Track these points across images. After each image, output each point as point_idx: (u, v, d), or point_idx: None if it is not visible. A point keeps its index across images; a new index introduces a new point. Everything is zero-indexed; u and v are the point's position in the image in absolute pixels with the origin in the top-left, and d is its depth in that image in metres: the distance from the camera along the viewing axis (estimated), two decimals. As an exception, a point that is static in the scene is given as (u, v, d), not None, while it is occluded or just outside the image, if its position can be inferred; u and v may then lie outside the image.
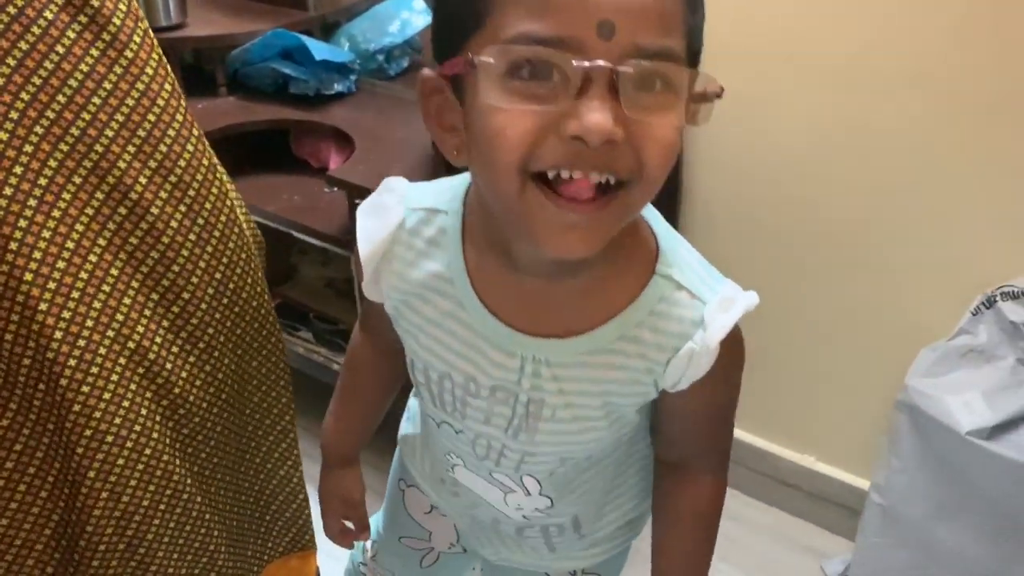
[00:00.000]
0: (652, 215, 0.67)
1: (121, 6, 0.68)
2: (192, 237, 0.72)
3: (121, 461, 0.73)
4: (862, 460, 1.49)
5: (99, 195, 0.68)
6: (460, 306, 0.66)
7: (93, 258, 0.69)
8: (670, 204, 1.47)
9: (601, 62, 0.51)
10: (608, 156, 0.53)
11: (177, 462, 0.78)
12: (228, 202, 0.75)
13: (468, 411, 0.69)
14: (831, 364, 1.50)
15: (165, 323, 0.72)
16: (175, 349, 0.74)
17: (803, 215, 1.44)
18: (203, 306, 0.74)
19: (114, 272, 0.70)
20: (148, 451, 0.75)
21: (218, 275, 0.74)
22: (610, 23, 0.50)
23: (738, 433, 1.64)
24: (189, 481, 0.79)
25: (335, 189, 1.48)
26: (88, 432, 0.71)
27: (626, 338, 0.64)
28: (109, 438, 0.72)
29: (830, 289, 1.46)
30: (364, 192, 1.40)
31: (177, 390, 0.75)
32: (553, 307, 0.64)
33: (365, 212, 0.70)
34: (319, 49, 1.63)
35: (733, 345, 0.66)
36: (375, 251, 0.68)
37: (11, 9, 0.63)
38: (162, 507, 0.77)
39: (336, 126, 1.62)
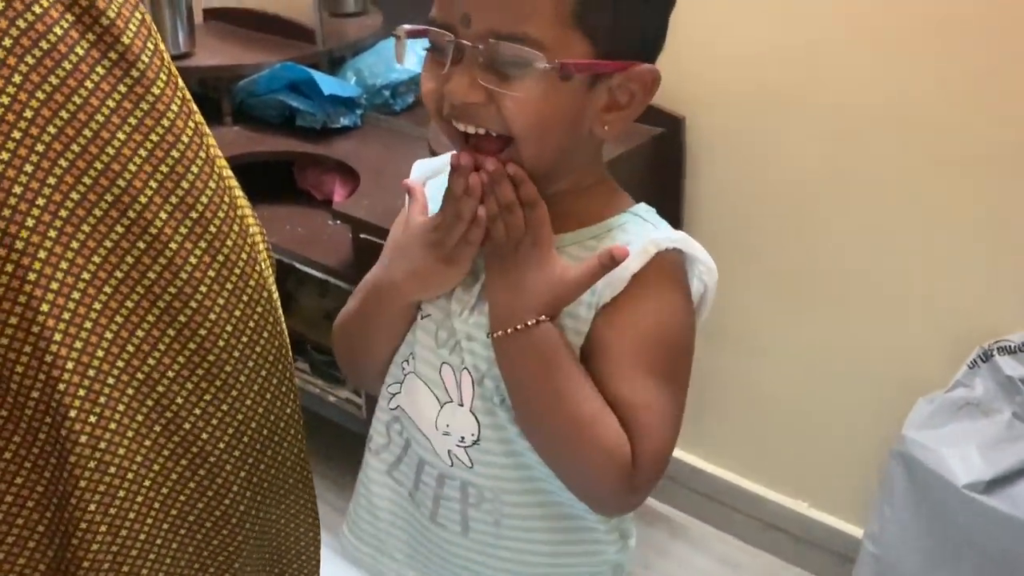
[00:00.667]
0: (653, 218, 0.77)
1: (149, 46, 0.69)
2: (211, 274, 0.72)
3: (122, 493, 0.73)
4: (855, 507, 1.49)
5: (119, 228, 0.69)
6: None
7: (108, 290, 0.69)
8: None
9: (465, 42, 0.67)
10: (476, 114, 0.69)
11: (182, 498, 0.77)
12: (249, 240, 0.75)
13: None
14: (826, 410, 1.51)
15: (181, 359, 0.72)
16: (189, 386, 0.73)
17: (801, 262, 1.46)
18: (220, 343, 0.73)
19: (129, 305, 0.70)
20: (148, 483, 0.74)
21: (237, 312, 0.74)
22: (467, 14, 0.67)
23: (731, 477, 1.64)
24: (191, 518, 0.78)
25: (338, 222, 1.49)
26: (92, 464, 0.71)
27: (581, 245, 0.74)
28: (112, 469, 0.72)
29: (827, 335, 1.47)
30: (368, 227, 1.40)
31: (188, 426, 0.75)
32: None
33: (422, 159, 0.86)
34: (327, 83, 1.65)
35: (676, 278, 0.73)
36: (426, 172, 0.84)
37: (44, 45, 0.64)
38: (159, 542, 0.76)
39: (341, 160, 1.63)
